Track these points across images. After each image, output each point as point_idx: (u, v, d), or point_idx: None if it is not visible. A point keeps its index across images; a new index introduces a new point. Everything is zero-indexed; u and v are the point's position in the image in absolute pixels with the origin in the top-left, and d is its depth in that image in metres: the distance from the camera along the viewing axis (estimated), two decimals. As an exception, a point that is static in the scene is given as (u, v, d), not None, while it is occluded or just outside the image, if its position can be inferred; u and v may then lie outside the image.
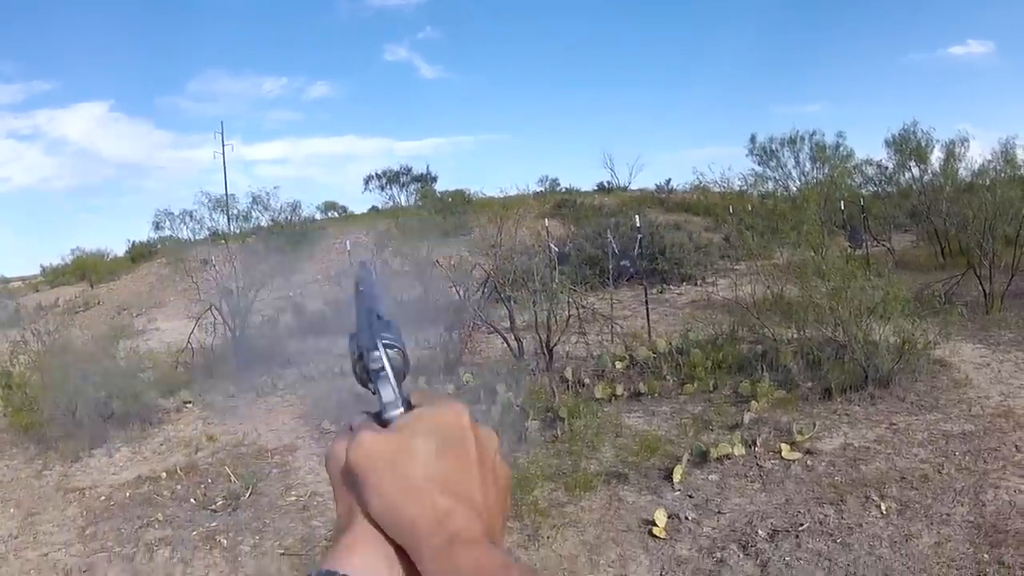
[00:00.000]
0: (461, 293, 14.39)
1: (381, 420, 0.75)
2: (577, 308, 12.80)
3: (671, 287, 20.54)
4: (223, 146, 41.83)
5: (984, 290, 14.18)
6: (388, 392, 0.75)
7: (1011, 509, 6.41)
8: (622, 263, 16.09)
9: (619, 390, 10.50)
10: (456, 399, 0.79)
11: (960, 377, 9.98)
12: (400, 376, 0.77)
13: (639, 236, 16.02)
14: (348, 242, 20.84)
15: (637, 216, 17.33)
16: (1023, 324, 12.83)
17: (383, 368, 0.76)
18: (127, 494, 8.89)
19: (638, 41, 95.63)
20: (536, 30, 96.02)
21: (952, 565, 5.75)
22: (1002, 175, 17.99)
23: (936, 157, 21.90)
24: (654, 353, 11.58)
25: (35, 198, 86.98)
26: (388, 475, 0.70)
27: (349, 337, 0.81)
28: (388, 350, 0.77)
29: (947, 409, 8.89)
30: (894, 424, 8.54)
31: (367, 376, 0.77)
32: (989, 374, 10.23)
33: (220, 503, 8.15)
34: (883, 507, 6.62)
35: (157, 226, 18.22)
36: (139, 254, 39.63)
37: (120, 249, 44.17)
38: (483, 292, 14.93)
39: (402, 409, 0.75)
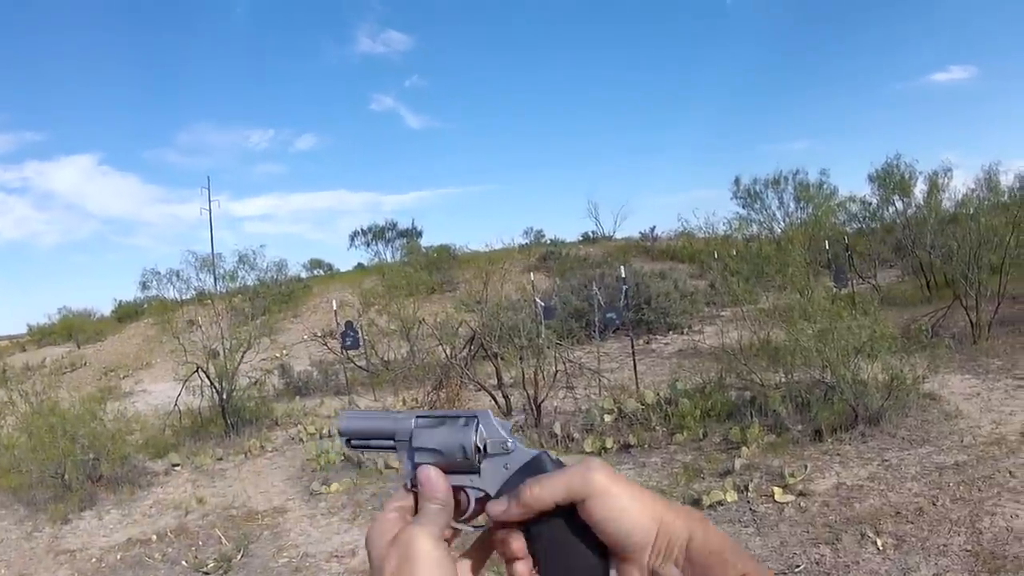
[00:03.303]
0: (448, 351, 14.34)
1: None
2: (564, 363, 12.72)
3: (658, 337, 20.55)
4: (210, 202, 41.56)
5: (971, 320, 14.17)
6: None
7: (1008, 535, 6.33)
8: (608, 315, 16.02)
9: (608, 443, 10.39)
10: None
11: (950, 409, 9.92)
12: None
13: (624, 287, 15.98)
14: (335, 302, 20.81)
15: (622, 267, 17.29)
16: (1011, 351, 12.85)
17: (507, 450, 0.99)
18: (118, 556, 8.88)
19: (621, 86, 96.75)
20: (520, 77, 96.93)
21: (951, 597, 5.67)
22: (985, 203, 18.00)
23: (920, 189, 22.00)
24: (642, 404, 11.46)
25: (23, 253, 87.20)
26: None
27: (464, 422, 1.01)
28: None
29: (939, 442, 8.82)
30: (886, 460, 8.45)
31: (480, 452, 0.98)
32: (979, 403, 10.18)
33: (212, 565, 8.08)
34: (879, 543, 6.53)
35: (144, 285, 18.39)
36: (125, 314, 40.16)
37: (106, 308, 45.11)
38: (470, 349, 14.87)
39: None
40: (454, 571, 0.90)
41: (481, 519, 0.99)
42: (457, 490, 0.98)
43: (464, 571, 0.96)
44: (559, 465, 0.96)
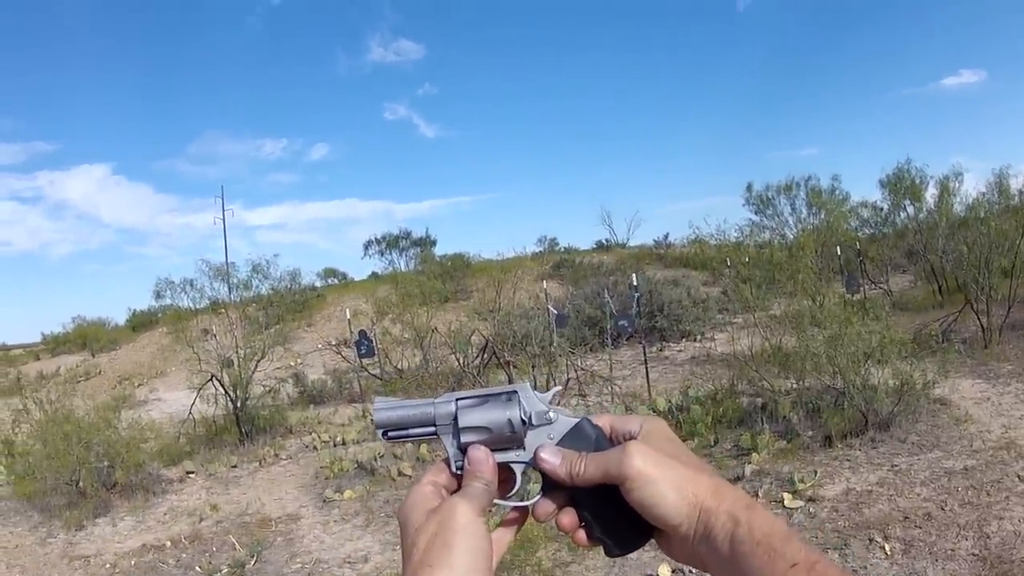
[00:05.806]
0: (460, 360, 14.41)
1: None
2: (576, 370, 12.78)
3: (670, 344, 20.52)
4: (223, 211, 41.76)
5: (982, 325, 14.15)
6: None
7: (1016, 539, 6.38)
8: (620, 323, 16.05)
9: (620, 449, 10.39)
10: None
11: (960, 414, 9.93)
12: None
13: (636, 295, 16.01)
14: (348, 310, 20.92)
15: (635, 275, 17.31)
16: (1022, 356, 12.82)
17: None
18: (132, 562, 8.99)
19: (633, 94, 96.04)
20: (532, 84, 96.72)
21: (958, 602, 5.71)
22: (996, 207, 17.94)
23: (931, 194, 21.87)
24: (654, 412, 11.51)
25: (37, 263, 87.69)
26: None
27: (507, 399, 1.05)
28: None
29: (948, 446, 8.85)
30: (896, 465, 8.49)
31: (526, 424, 1.03)
32: (990, 408, 10.19)
33: (225, 571, 8.19)
34: (887, 548, 6.58)
35: (158, 295, 18.37)
36: (140, 323, 40.29)
37: (121, 317, 45.13)
38: (482, 357, 14.94)
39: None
40: (490, 545, 0.94)
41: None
42: (503, 468, 1.03)
43: (496, 543, 0.98)
44: (600, 432, 1.02)
